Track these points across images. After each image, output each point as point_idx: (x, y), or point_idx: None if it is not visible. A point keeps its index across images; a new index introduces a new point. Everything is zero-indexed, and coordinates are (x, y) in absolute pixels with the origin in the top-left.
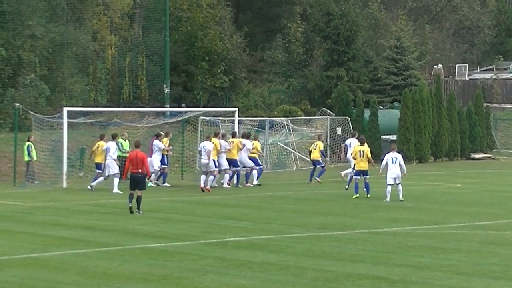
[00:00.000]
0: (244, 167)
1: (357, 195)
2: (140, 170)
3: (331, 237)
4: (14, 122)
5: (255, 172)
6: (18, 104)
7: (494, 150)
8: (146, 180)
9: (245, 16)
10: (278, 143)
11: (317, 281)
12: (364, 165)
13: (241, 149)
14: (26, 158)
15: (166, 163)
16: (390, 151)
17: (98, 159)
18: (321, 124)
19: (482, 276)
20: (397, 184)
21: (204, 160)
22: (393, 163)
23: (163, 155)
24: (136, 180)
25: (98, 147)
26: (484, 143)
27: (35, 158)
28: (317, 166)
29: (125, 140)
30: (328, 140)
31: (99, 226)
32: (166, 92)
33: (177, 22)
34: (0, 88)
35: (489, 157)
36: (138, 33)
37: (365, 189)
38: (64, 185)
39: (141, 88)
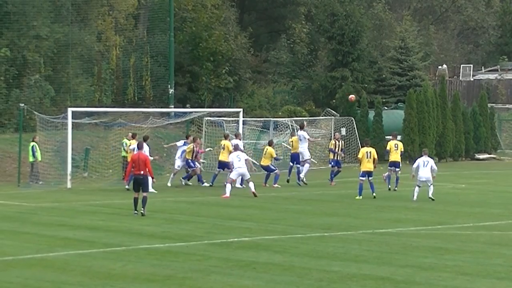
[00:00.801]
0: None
1: (360, 197)
2: (142, 172)
3: (335, 238)
4: (18, 123)
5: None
6: (22, 105)
7: (498, 151)
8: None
9: (250, 16)
10: (283, 143)
11: (322, 282)
12: (370, 166)
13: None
14: (31, 159)
15: (193, 165)
16: (422, 155)
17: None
18: (326, 124)
19: (487, 277)
20: (429, 185)
21: (241, 169)
22: (424, 166)
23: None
24: (139, 182)
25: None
26: (489, 143)
27: (39, 159)
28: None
29: (129, 141)
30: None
31: (104, 226)
32: (170, 92)
33: (182, 22)
34: (5, 89)
35: (494, 158)
36: (142, 33)
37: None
38: (69, 185)
39: (145, 89)
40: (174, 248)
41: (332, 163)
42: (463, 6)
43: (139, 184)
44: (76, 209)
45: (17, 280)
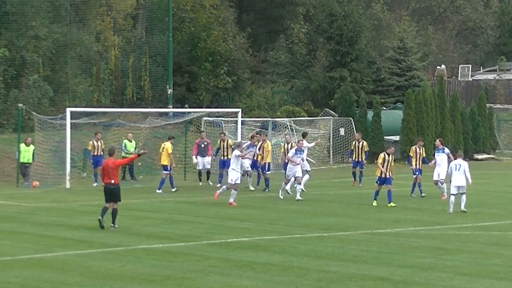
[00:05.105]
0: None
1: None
2: (112, 181)
3: (334, 238)
4: (17, 123)
5: None
6: (21, 105)
7: (497, 151)
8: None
9: (248, 17)
10: (281, 143)
11: (320, 282)
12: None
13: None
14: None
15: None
16: (456, 158)
17: (165, 161)
18: (324, 125)
19: (485, 277)
20: (461, 193)
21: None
22: (457, 170)
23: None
24: (109, 191)
25: (163, 149)
26: (487, 144)
27: (21, 160)
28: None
29: (130, 141)
30: (331, 141)
31: None
32: (169, 92)
33: (180, 23)
34: (4, 89)
35: (492, 158)
36: (141, 33)
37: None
38: (67, 185)
39: (144, 89)
40: (173, 248)
41: (353, 164)
42: (461, 7)
43: (110, 194)
44: (75, 209)
45: (16, 280)
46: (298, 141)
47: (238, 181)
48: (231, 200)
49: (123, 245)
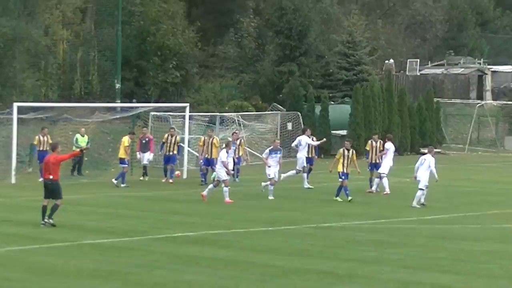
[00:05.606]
0: None
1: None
2: (51, 177)
3: (279, 232)
4: None
5: None
6: None
7: (443, 145)
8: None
9: (198, 10)
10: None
11: (265, 276)
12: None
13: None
14: None
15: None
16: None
17: (122, 155)
18: (272, 119)
19: (429, 270)
20: (419, 188)
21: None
22: (421, 164)
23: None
24: (47, 187)
25: (124, 142)
26: (434, 138)
27: None
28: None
29: (82, 136)
30: (278, 135)
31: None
32: (117, 87)
33: (130, 16)
34: None
35: (439, 152)
36: (90, 27)
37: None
38: (13, 181)
39: (92, 83)
40: (118, 243)
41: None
42: (411, 0)
43: (49, 191)
44: (21, 204)
45: None
46: (274, 141)
47: (227, 177)
48: (227, 198)
49: (68, 240)
